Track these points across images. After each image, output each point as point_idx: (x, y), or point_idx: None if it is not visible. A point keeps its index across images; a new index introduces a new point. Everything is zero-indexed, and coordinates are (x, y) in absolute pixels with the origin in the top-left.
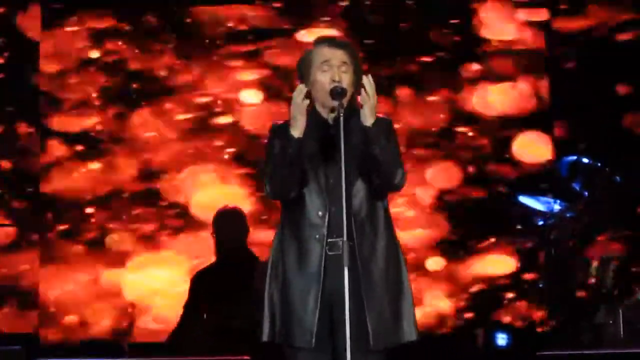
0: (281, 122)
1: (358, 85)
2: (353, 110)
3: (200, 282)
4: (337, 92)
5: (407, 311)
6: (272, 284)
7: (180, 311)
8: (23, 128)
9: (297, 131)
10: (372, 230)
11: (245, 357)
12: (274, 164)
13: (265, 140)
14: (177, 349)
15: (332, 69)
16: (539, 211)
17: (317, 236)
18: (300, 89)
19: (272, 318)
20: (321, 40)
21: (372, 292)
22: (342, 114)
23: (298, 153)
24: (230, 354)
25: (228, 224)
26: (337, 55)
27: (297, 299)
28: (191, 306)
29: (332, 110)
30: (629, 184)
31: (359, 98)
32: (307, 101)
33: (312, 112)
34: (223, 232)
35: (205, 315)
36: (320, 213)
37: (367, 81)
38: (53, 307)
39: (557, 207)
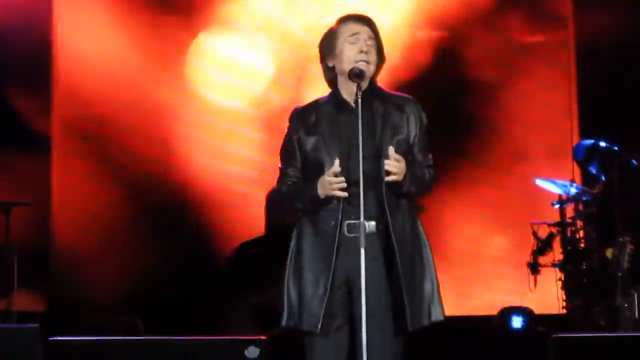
0: (302, 106)
1: (380, 65)
2: (375, 90)
3: (244, 254)
4: (355, 74)
5: (435, 291)
6: (290, 270)
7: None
8: None
9: (323, 195)
10: (400, 212)
11: (262, 337)
12: (292, 199)
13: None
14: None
15: (360, 42)
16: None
17: (332, 223)
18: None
19: (290, 304)
20: (347, 17)
21: (406, 273)
22: (360, 96)
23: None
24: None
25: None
26: (365, 30)
27: (309, 284)
28: (231, 277)
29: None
30: None
31: (386, 161)
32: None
33: (332, 92)
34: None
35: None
36: (335, 200)
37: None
38: None
39: (573, 190)
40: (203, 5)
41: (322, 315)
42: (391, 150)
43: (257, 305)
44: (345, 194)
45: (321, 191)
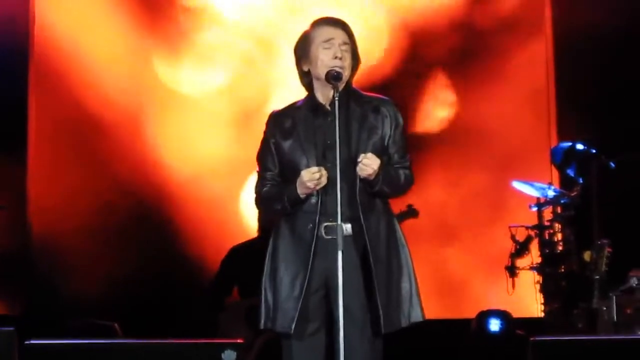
0: (279, 110)
1: (355, 68)
2: (351, 93)
3: (234, 257)
4: (333, 76)
5: (414, 292)
6: (267, 272)
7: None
8: None
9: (302, 194)
10: (374, 213)
11: (239, 340)
12: (270, 201)
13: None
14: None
15: (334, 47)
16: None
17: (310, 225)
18: (313, 175)
19: (266, 305)
20: (322, 20)
21: (380, 275)
22: (337, 98)
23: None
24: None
25: None
26: (339, 35)
27: (285, 286)
28: (220, 280)
29: (333, 87)
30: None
31: (358, 168)
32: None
33: (309, 96)
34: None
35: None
36: (313, 200)
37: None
38: None
39: (551, 192)
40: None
41: (296, 316)
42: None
43: (251, 307)
44: (324, 182)
45: (301, 190)
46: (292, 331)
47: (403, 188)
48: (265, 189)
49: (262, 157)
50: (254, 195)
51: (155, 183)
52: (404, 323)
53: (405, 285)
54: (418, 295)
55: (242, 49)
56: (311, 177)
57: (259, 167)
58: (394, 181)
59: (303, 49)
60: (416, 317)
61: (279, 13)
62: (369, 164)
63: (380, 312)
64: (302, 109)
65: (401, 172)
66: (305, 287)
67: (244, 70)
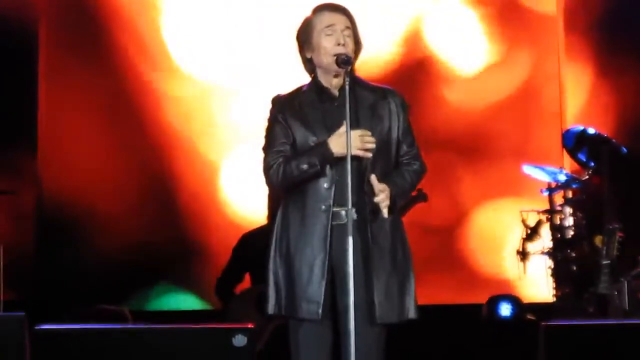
0: (283, 94)
1: (358, 52)
2: (355, 79)
3: (245, 244)
4: (343, 61)
5: (412, 289)
6: (277, 258)
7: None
8: None
9: (339, 154)
10: None
11: (250, 325)
12: (293, 175)
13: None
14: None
15: (337, 33)
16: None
17: (323, 207)
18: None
19: (278, 291)
20: (322, 7)
21: (381, 266)
22: (347, 83)
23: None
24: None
25: None
26: (341, 20)
27: (303, 271)
28: (231, 267)
29: (336, 75)
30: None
31: (375, 199)
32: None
33: (313, 80)
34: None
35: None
36: (326, 185)
37: (376, 184)
38: None
39: (562, 177)
40: None
41: (321, 302)
42: (373, 178)
43: (262, 294)
44: (369, 155)
45: (337, 149)
46: (320, 317)
47: (413, 187)
48: (282, 156)
49: (273, 134)
50: (265, 171)
51: (165, 166)
52: (398, 318)
53: (403, 280)
54: (414, 293)
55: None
56: (364, 141)
57: (270, 145)
58: (405, 190)
59: (305, 36)
60: (411, 314)
61: None
62: (382, 204)
63: (376, 302)
64: (307, 93)
65: (407, 174)
66: (327, 270)
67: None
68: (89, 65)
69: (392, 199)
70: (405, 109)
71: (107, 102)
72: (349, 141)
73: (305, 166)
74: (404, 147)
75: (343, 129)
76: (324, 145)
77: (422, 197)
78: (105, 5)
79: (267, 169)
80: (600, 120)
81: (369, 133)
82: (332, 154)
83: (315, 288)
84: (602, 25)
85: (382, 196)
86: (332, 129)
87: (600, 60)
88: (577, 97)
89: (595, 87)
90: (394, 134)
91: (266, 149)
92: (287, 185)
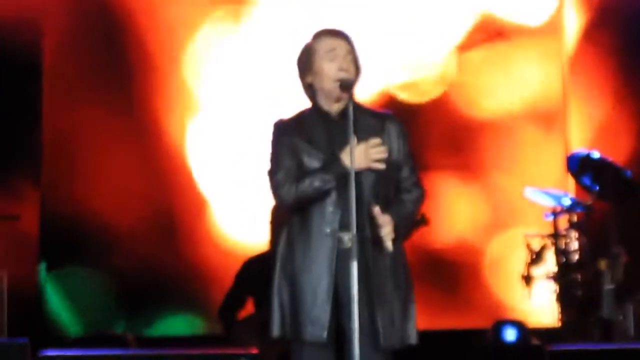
0: (285, 119)
1: (358, 77)
2: (354, 104)
3: (248, 269)
4: (347, 85)
5: (413, 314)
6: (281, 280)
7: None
8: None
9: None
10: None
11: (254, 350)
12: (307, 193)
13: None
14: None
15: (339, 58)
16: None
17: (329, 230)
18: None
19: (282, 313)
20: (323, 32)
21: (382, 290)
22: (351, 106)
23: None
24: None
25: None
26: (342, 45)
27: (308, 294)
28: (234, 293)
29: (337, 100)
30: None
31: (380, 232)
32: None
33: (313, 105)
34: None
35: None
36: (331, 208)
37: (380, 216)
38: None
39: (567, 201)
40: None
41: (327, 325)
42: (377, 211)
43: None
44: (382, 166)
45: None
46: (326, 340)
47: (415, 215)
48: (292, 176)
49: (279, 155)
50: (275, 191)
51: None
52: (400, 343)
53: (405, 305)
54: (415, 319)
55: None
56: (374, 152)
57: (277, 165)
58: (408, 219)
59: (306, 61)
60: (412, 340)
61: None
62: (387, 237)
63: (380, 327)
64: (308, 118)
65: (409, 203)
66: (332, 293)
67: None
68: (94, 89)
69: (396, 230)
70: (404, 134)
71: (111, 126)
72: (353, 157)
73: (319, 183)
74: (405, 173)
75: (353, 143)
76: (337, 161)
77: (424, 221)
78: (112, 24)
79: (278, 188)
80: (607, 145)
81: (378, 141)
82: (345, 168)
83: (320, 310)
84: (613, 48)
85: (387, 230)
86: (337, 150)
87: (609, 84)
88: (583, 120)
89: (604, 113)
90: (394, 158)
91: (273, 170)
92: (300, 204)
